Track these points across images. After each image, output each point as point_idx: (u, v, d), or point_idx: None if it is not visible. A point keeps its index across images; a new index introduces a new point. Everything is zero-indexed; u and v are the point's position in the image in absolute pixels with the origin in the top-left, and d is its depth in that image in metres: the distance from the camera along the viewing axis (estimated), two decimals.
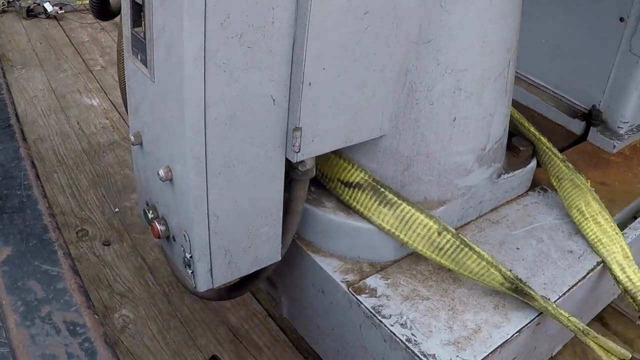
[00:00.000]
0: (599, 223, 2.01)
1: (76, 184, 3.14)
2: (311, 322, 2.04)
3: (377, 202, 1.80)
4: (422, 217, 1.77)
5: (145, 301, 2.49)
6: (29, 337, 1.44)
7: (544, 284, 1.85)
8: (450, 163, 1.87)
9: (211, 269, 1.64)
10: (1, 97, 2.39)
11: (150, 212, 1.72)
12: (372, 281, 1.81)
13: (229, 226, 1.60)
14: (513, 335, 1.69)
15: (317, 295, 1.93)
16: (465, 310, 1.75)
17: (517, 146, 2.16)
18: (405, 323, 1.68)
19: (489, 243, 1.98)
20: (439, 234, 1.76)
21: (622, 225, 2.16)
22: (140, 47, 1.51)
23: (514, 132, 2.25)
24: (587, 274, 1.92)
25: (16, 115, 2.29)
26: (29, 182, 1.91)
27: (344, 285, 1.79)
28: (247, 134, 1.48)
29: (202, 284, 1.66)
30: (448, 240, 1.76)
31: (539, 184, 2.26)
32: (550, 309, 1.72)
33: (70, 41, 4.75)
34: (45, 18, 5.07)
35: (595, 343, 1.78)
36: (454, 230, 1.77)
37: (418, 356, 1.60)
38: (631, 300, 1.90)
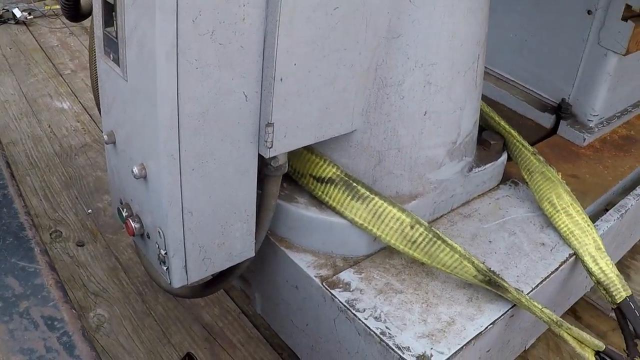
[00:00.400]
0: (571, 215, 2.02)
1: (49, 186, 3.13)
2: (285, 318, 2.05)
3: (350, 197, 1.81)
4: (394, 210, 1.78)
5: (119, 300, 2.49)
6: (8, 332, 1.45)
7: (516, 276, 1.87)
8: (421, 157, 1.88)
9: (186, 265, 1.64)
10: None
11: (125, 210, 1.72)
12: (346, 275, 1.81)
13: (203, 222, 1.60)
14: (487, 327, 1.71)
15: (291, 290, 1.93)
16: (439, 303, 1.76)
17: (487, 140, 2.18)
18: (380, 316, 1.69)
19: (461, 236, 1.99)
20: (412, 227, 1.77)
21: (594, 218, 2.18)
22: (112, 46, 1.51)
23: (484, 127, 2.26)
24: (560, 266, 1.94)
25: None
26: (4, 181, 1.92)
27: (317, 280, 1.80)
28: (220, 130, 1.49)
29: (177, 280, 1.66)
30: (421, 234, 1.77)
31: (510, 177, 2.28)
32: (523, 300, 1.73)
33: (40, 46, 4.73)
34: (15, 24, 5.04)
35: (569, 334, 1.79)
36: (426, 224, 1.78)
37: (392, 349, 1.61)
38: (604, 292, 1.92)
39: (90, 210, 2.98)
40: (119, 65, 1.50)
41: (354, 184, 1.82)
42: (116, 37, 1.47)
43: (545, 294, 1.93)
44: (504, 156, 2.22)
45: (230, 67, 1.42)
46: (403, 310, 1.72)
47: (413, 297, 1.77)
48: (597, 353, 1.85)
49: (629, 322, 1.91)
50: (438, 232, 1.78)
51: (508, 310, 1.77)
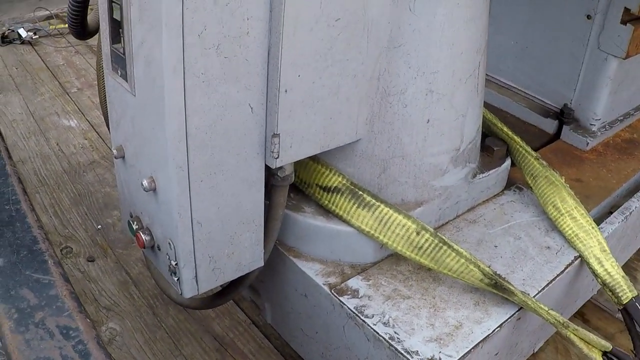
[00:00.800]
0: (575, 218, 2.03)
1: (58, 203, 3.15)
2: (295, 326, 2.06)
3: (356, 205, 1.83)
4: (400, 217, 1.80)
5: (131, 314, 2.50)
6: (24, 342, 1.47)
7: (522, 279, 1.88)
8: (425, 164, 1.90)
9: (196, 276, 1.66)
10: None
11: (135, 223, 1.74)
12: (354, 283, 1.83)
13: (213, 233, 1.62)
14: (494, 330, 1.72)
15: (300, 299, 1.95)
16: (446, 307, 1.78)
17: (490, 146, 2.20)
18: (388, 322, 1.71)
19: (467, 242, 2.00)
20: (418, 233, 1.79)
21: (599, 220, 2.19)
22: (119, 62, 1.53)
23: (487, 133, 2.27)
24: (565, 268, 1.95)
25: (0, 134, 2.32)
26: (17, 197, 1.95)
27: (326, 288, 1.81)
28: (228, 142, 1.51)
29: (188, 291, 1.68)
30: (427, 240, 1.79)
31: (515, 182, 2.29)
32: (530, 302, 1.74)
33: (46, 65, 4.75)
34: (20, 44, 5.07)
35: (576, 335, 1.80)
36: (432, 230, 1.80)
37: (401, 353, 1.63)
38: (610, 293, 1.93)
39: (99, 226, 3.00)
40: (126, 81, 1.52)
41: (360, 192, 1.83)
42: (123, 53, 1.49)
43: (551, 296, 1.94)
44: (508, 162, 2.23)
45: (236, 80, 1.45)
46: (411, 315, 1.74)
47: (420, 302, 1.79)
48: (604, 354, 1.86)
49: (635, 323, 1.92)
50: (444, 237, 1.79)
51: (515, 313, 1.78)
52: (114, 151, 1.71)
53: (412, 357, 1.61)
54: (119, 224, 3.00)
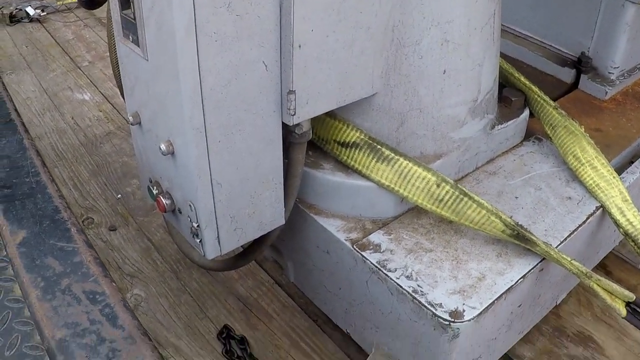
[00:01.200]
0: (596, 168, 2.02)
1: (77, 176, 3.17)
2: (318, 284, 2.07)
3: (375, 159, 1.82)
4: (420, 170, 1.79)
5: (154, 279, 2.53)
6: (52, 309, 1.49)
7: (544, 230, 1.88)
8: (443, 116, 1.89)
9: (218, 236, 1.67)
10: None
11: (155, 188, 1.75)
12: (376, 237, 1.83)
13: (233, 193, 1.63)
14: (517, 281, 1.72)
15: (322, 256, 1.96)
16: (469, 259, 1.78)
17: (508, 97, 2.18)
18: (411, 275, 1.71)
19: (487, 194, 2.00)
20: (438, 185, 1.78)
21: (619, 170, 2.17)
22: (130, 28, 1.53)
23: (505, 84, 2.26)
24: (587, 218, 1.94)
25: (15, 110, 2.33)
26: (36, 169, 1.96)
27: (348, 244, 1.82)
28: (243, 101, 1.51)
29: (211, 252, 1.69)
30: (447, 192, 1.78)
31: (534, 133, 2.28)
32: (552, 253, 1.74)
33: (56, 41, 4.76)
34: (29, 22, 5.06)
35: (599, 286, 1.79)
36: (452, 181, 1.80)
37: (425, 306, 1.63)
38: (632, 244, 1.92)
39: (119, 195, 3.01)
40: (138, 46, 1.52)
41: (379, 147, 1.83)
42: (134, 18, 1.49)
43: (574, 247, 1.93)
44: (526, 112, 2.21)
45: (249, 38, 1.44)
46: (434, 268, 1.74)
47: (443, 254, 1.79)
48: (628, 304, 1.85)
49: None
50: (464, 189, 1.79)
51: (537, 264, 1.78)
52: (130, 118, 1.72)
53: (436, 310, 1.62)
54: (138, 192, 3.02)
